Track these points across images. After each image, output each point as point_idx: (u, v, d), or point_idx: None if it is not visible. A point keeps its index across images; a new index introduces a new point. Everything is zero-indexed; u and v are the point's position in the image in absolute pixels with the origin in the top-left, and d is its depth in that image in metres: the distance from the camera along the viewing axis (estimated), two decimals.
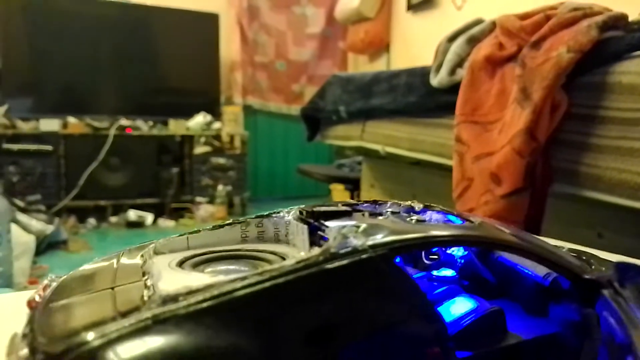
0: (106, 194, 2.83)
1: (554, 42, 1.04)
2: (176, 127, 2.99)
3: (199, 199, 2.97)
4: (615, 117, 0.95)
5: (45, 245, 2.34)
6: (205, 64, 3.15)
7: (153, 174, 2.97)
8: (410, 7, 2.75)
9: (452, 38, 1.33)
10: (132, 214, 2.82)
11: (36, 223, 2.32)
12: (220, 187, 3.00)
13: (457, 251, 0.33)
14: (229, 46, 3.27)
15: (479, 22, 1.31)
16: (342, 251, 0.23)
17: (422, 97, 1.39)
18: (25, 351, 0.21)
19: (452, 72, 1.28)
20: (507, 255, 0.32)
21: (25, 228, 2.19)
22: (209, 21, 3.10)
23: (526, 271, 0.30)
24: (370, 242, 0.24)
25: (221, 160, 3.05)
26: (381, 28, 2.97)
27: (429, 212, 0.31)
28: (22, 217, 2.28)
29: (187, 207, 2.97)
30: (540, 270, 0.29)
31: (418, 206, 0.32)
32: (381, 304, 0.23)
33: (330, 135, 1.84)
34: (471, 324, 0.27)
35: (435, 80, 1.31)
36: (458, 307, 0.28)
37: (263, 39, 3.30)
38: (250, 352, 0.20)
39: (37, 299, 0.26)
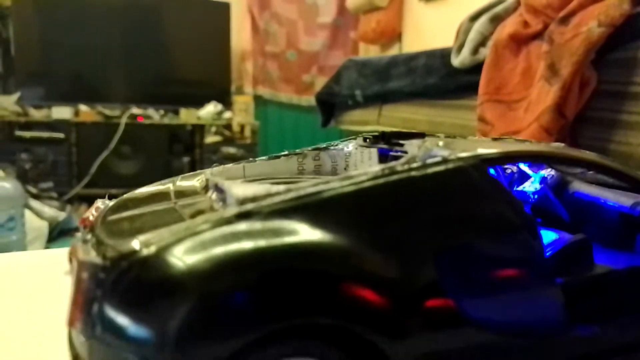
0: (117, 182, 2.82)
1: (583, 16, 1.01)
2: (187, 116, 2.98)
3: None
4: None
5: (58, 232, 2.33)
6: (216, 53, 3.13)
7: (164, 162, 2.96)
8: None
9: (474, 17, 1.30)
10: None
11: (48, 210, 2.31)
12: None
13: (530, 187, 0.31)
14: (240, 36, 3.25)
15: (501, 1, 1.29)
16: (430, 161, 0.21)
17: (442, 79, 1.37)
18: (93, 253, 0.19)
19: (475, 51, 1.26)
20: (585, 189, 0.30)
21: (38, 214, 2.19)
22: (220, 10, 3.08)
23: (609, 203, 0.28)
24: (459, 154, 0.22)
25: (232, 150, 3.04)
26: (393, 17, 2.94)
27: (499, 141, 0.29)
28: (34, 203, 2.28)
29: None
30: (625, 201, 0.27)
31: (487, 138, 0.30)
32: (475, 214, 0.21)
33: (345, 120, 1.82)
34: (557, 252, 0.25)
35: (457, 61, 1.29)
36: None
37: (274, 28, 3.28)
38: (338, 250, 0.19)
39: (91, 217, 0.24)
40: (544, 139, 1.01)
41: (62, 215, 2.35)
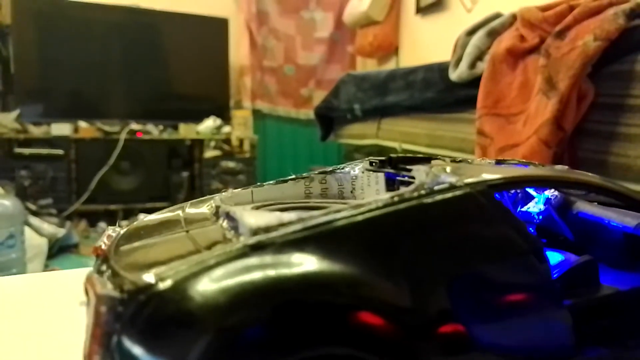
0: (117, 198, 2.82)
1: (579, 31, 1.03)
2: (186, 131, 2.99)
3: None
4: None
5: (57, 249, 2.33)
6: (214, 68, 3.15)
7: (163, 178, 2.96)
8: (419, 10, 2.75)
9: (471, 32, 1.32)
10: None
11: (48, 226, 2.31)
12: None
13: (535, 208, 0.31)
14: (238, 51, 3.27)
15: (498, 15, 1.30)
16: (438, 187, 0.22)
17: (440, 92, 1.38)
18: (110, 286, 0.20)
19: (472, 65, 1.27)
20: (589, 210, 0.30)
21: (37, 231, 2.18)
22: (218, 26, 3.11)
23: (614, 223, 0.28)
24: (466, 180, 0.22)
25: (231, 164, 3.04)
26: (390, 31, 2.96)
27: (504, 165, 0.30)
28: (34, 220, 2.27)
29: None
30: (629, 221, 0.28)
31: (490, 161, 0.31)
32: (484, 240, 0.21)
33: (344, 134, 1.83)
34: (563, 274, 0.25)
35: (455, 75, 1.30)
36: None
37: (272, 43, 3.30)
38: (351, 280, 0.19)
39: (103, 246, 0.25)
40: (543, 152, 1.02)
41: (61, 232, 2.35)
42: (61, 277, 0.46)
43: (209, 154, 3.01)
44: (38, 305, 0.40)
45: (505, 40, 1.20)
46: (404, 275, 0.20)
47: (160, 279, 0.18)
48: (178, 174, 2.97)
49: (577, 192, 0.31)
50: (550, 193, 0.31)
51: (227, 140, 3.05)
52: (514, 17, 1.25)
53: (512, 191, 0.31)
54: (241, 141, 3.08)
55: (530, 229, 0.31)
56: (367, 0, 2.88)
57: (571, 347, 0.22)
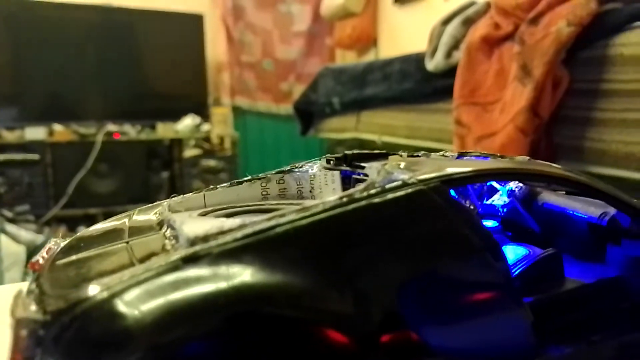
0: (96, 202, 2.77)
1: (552, 17, 1.02)
2: (164, 130, 2.95)
3: None
4: (618, 89, 0.93)
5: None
6: (191, 65, 3.10)
7: (143, 179, 2.92)
8: (397, 1, 2.74)
9: (446, 21, 1.31)
10: None
11: (26, 233, 2.26)
12: None
13: (499, 200, 0.30)
14: (215, 47, 3.23)
15: (472, 3, 1.30)
16: (389, 185, 0.21)
17: (417, 83, 1.37)
18: (33, 307, 0.18)
19: (448, 55, 1.26)
20: (553, 200, 0.29)
21: (15, 239, 2.14)
22: (194, 22, 3.06)
23: (578, 214, 0.28)
24: (419, 176, 0.21)
25: (212, 163, 3.01)
26: (368, 23, 2.95)
27: (466, 157, 0.29)
28: (11, 227, 2.23)
29: None
30: (594, 211, 0.27)
31: (452, 154, 0.30)
32: (437, 239, 0.20)
33: (324, 128, 1.81)
34: (526, 269, 0.24)
35: (431, 65, 1.29)
36: (509, 255, 0.26)
37: (249, 38, 3.27)
38: (291, 291, 0.18)
39: (41, 261, 0.23)
40: (520, 140, 1.02)
41: (40, 239, 2.30)
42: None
43: (189, 153, 2.97)
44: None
45: (480, 29, 1.19)
46: (352, 282, 0.19)
47: (86, 297, 0.17)
48: (158, 175, 2.94)
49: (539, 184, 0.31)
50: (514, 185, 0.31)
51: (207, 139, 3.01)
52: (488, 5, 1.25)
53: (476, 185, 0.30)
54: (221, 139, 3.04)
55: (495, 222, 0.30)
56: None
57: (532, 347, 0.21)
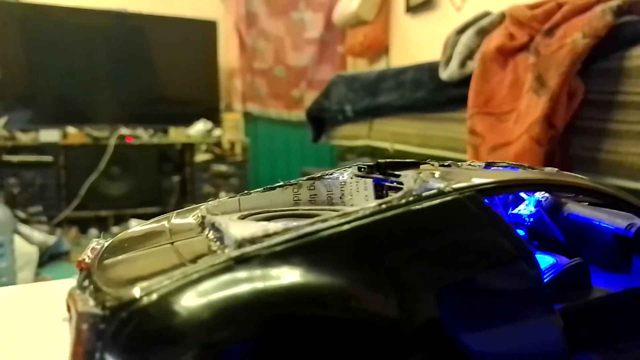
0: (107, 204, 2.80)
1: (568, 28, 1.03)
2: (177, 135, 2.97)
3: None
4: (634, 101, 0.94)
5: (48, 257, 2.30)
6: (204, 71, 3.13)
7: (154, 182, 2.94)
8: (409, 9, 2.75)
9: (460, 31, 1.32)
10: (134, 224, 2.78)
11: (38, 234, 2.29)
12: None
13: (525, 210, 0.31)
14: (228, 53, 3.26)
15: (487, 14, 1.30)
16: (427, 193, 0.21)
17: (431, 92, 1.38)
18: (91, 302, 0.19)
19: (463, 64, 1.27)
20: (579, 211, 0.30)
21: (27, 239, 2.16)
22: (207, 28, 3.09)
23: (604, 224, 0.28)
24: (455, 185, 0.22)
25: (222, 168, 3.03)
26: (380, 31, 2.96)
27: (493, 167, 0.30)
28: (23, 228, 2.25)
29: None
30: (620, 222, 0.28)
31: (479, 164, 0.30)
32: (473, 246, 0.21)
33: (336, 135, 1.82)
34: (554, 277, 0.25)
35: (445, 74, 1.30)
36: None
37: (261, 45, 3.29)
38: (338, 292, 0.18)
39: (87, 260, 0.24)
40: (535, 150, 1.02)
41: (52, 240, 2.32)
42: (49, 289, 0.45)
43: (200, 157, 2.99)
44: (23, 320, 0.39)
45: (495, 39, 1.20)
46: (393, 285, 0.19)
47: (143, 294, 0.18)
48: (169, 179, 2.96)
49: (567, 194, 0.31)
50: (540, 195, 0.31)
51: (218, 144, 3.03)
52: (503, 16, 1.25)
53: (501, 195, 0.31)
54: (232, 144, 3.06)
55: (522, 231, 0.31)
56: (356, 0, 2.88)
57: (563, 352, 0.22)
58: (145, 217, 2.84)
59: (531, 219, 0.31)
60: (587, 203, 0.31)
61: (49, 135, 2.67)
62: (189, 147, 2.98)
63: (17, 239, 1.99)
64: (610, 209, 0.29)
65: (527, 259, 0.22)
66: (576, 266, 0.25)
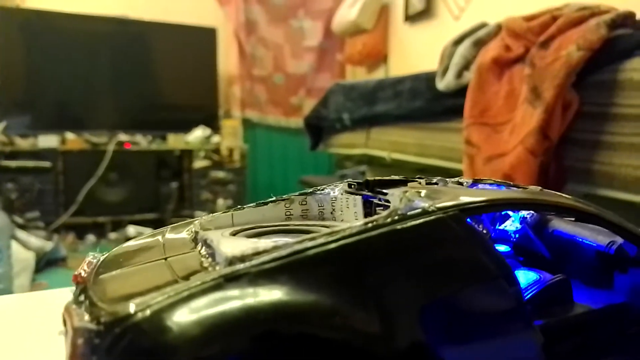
0: (105, 210, 2.80)
1: (563, 41, 1.04)
2: (175, 141, 2.98)
3: (198, 213, 2.95)
4: (628, 113, 0.95)
5: (45, 262, 2.30)
6: (203, 78, 3.15)
7: (152, 189, 2.94)
8: (408, 18, 2.77)
9: (457, 42, 1.33)
10: (132, 230, 2.78)
11: (35, 240, 2.29)
12: (220, 201, 2.98)
13: (511, 226, 0.32)
14: (227, 60, 3.28)
15: (484, 25, 1.32)
16: (411, 212, 0.22)
17: (428, 102, 1.39)
18: (86, 317, 0.20)
19: (459, 75, 1.28)
20: (563, 228, 0.31)
21: (25, 245, 2.16)
22: (207, 36, 3.11)
23: (587, 241, 0.29)
24: (439, 204, 0.23)
25: (220, 174, 3.04)
26: (379, 40, 2.98)
27: (480, 185, 0.30)
28: (21, 234, 2.25)
29: None
30: (602, 239, 0.28)
31: (466, 182, 0.31)
32: (455, 265, 0.22)
33: (334, 144, 1.83)
34: (537, 294, 0.26)
35: (442, 84, 1.31)
36: (520, 279, 0.27)
37: (261, 52, 3.31)
38: (323, 310, 0.19)
39: (83, 274, 0.25)
40: (530, 161, 1.03)
41: (49, 245, 2.32)
42: (45, 299, 0.45)
43: (199, 164, 3.00)
44: (19, 331, 0.40)
45: (491, 50, 1.21)
46: (377, 304, 0.20)
47: (137, 310, 0.18)
48: (167, 185, 2.96)
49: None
50: (526, 212, 0.32)
51: (217, 150, 3.04)
52: (499, 27, 1.26)
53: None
54: (231, 151, 3.07)
55: (507, 247, 0.31)
56: (355, 8, 2.90)
57: None
58: (143, 223, 2.85)
59: (517, 235, 0.32)
60: (572, 219, 0.32)
61: (48, 140, 2.68)
62: (188, 154, 2.99)
63: (14, 245, 1.99)
64: (593, 226, 0.29)
65: (507, 277, 0.22)
66: (558, 282, 0.26)
